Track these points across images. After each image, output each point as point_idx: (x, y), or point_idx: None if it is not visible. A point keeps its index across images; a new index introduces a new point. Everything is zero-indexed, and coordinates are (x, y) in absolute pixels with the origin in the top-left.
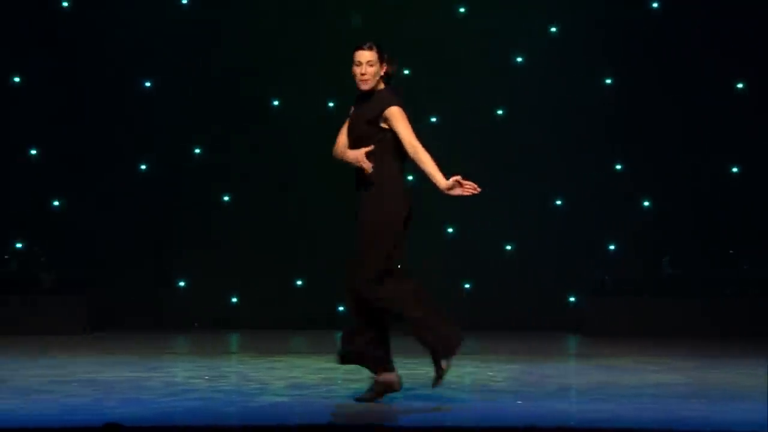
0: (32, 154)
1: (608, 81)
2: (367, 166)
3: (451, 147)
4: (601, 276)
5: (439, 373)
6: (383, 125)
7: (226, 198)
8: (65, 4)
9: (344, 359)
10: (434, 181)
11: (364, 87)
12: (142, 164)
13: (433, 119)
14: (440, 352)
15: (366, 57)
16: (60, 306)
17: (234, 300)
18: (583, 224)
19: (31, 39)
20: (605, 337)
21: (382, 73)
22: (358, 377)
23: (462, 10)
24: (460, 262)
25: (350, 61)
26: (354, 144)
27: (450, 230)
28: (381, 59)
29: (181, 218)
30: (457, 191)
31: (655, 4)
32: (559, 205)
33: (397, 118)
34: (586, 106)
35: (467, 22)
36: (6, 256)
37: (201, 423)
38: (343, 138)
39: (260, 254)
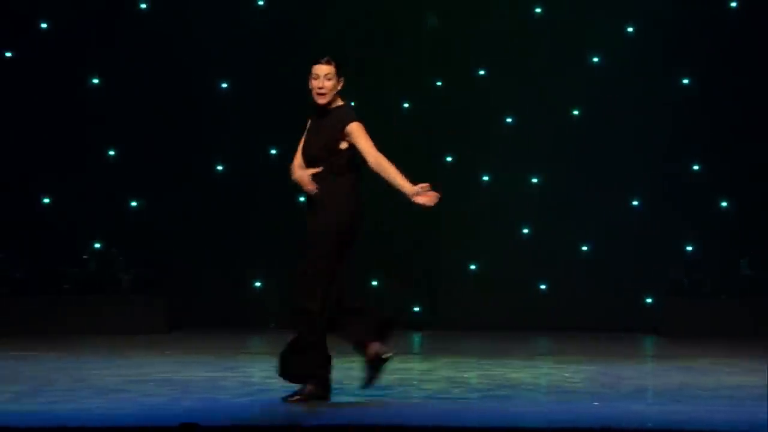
0: (111, 155)
1: (685, 81)
2: (312, 188)
3: (526, 147)
4: (678, 277)
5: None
6: (343, 143)
7: (302, 198)
8: (143, 5)
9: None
10: (399, 186)
11: (321, 101)
12: (219, 165)
13: (509, 120)
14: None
15: (324, 71)
16: (138, 306)
17: None
18: (660, 225)
19: (110, 40)
20: (682, 338)
21: (339, 88)
22: (433, 377)
23: (538, 10)
24: (535, 263)
25: (422, 63)
26: (309, 162)
27: (525, 231)
28: (338, 74)
29: (258, 218)
30: (422, 199)
31: (733, 3)
32: (635, 205)
33: (358, 134)
34: (663, 106)
35: (543, 22)
36: (85, 257)
37: (276, 423)
38: (299, 157)
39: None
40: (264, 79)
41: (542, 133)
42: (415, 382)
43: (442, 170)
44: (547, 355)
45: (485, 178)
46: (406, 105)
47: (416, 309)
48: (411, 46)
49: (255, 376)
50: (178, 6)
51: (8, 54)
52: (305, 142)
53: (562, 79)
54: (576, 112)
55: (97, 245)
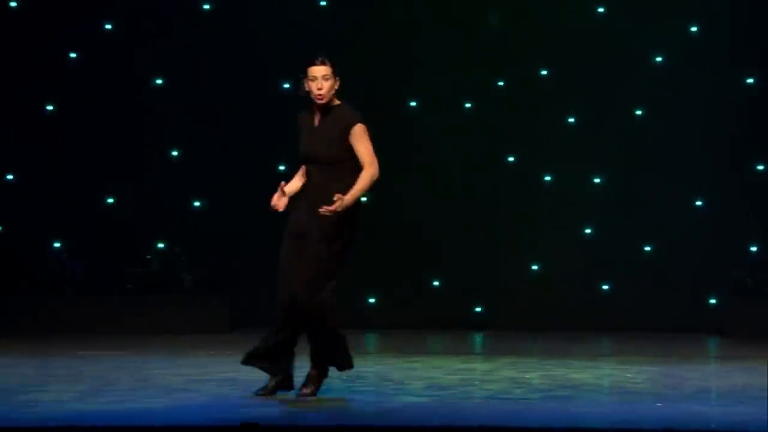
0: (173, 155)
1: (750, 80)
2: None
3: (589, 147)
4: (742, 277)
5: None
6: (347, 142)
7: (363, 198)
8: (206, 6)
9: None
10: (352, 193)
11: (321, 101)
12: (282, 165)
13: (571, 120)
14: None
15: (321, 72)
16: (201, 306)
17: (371, 300)
18: (724, 225)
19: (173, 41)
20: (746, 339)
21: (336, 87)
22: (495, 378)
23: (601, 9)
24: (598, 263)
25: (485, 63)
26: (314, 161)
27: (588, 231)
28: (335, 73)
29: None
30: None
31: None
32: (699, 205)
33: (361, 136)
34: (727, 106)
35: (606, 21)
36: (148, 257)
37: (338, 423)
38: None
39: (398, 255)
40: None
41: (605, 133)
42: (476, 383)
43: (504, 170)
44: (610, 355)
45: (547, 178)
46: (468, 105)
47: (478, 309)
48: (473, 45)
49: None
50: (241, 7)
51: (72, 55)
52: (306, 143)
53: (625, 78)
54: (639, 112)
55: (160, 245)
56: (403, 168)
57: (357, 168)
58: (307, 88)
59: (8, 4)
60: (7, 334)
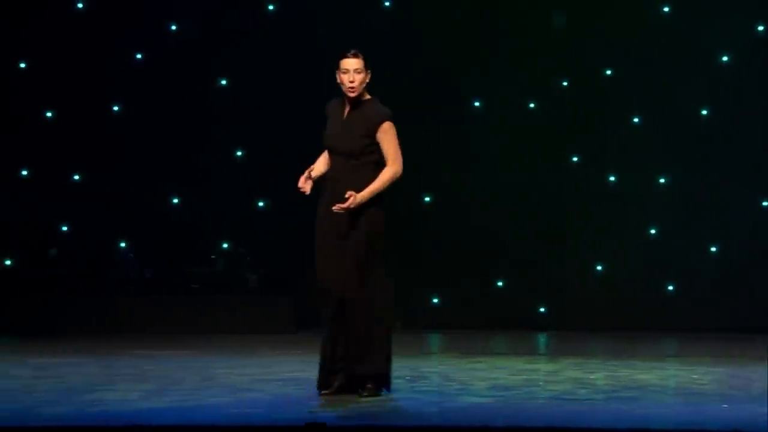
0: (238, 156)
1: None
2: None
3: (653, 147)
4: None
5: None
6: (374, 138)
7: (427, 199)
8: (271, 7)
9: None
10: (368, 189)
11: (353, 94)
12: None
13: (636, 119)
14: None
15: (353, 65)
16: (265, 306)
17: (435, 300)
18: None
19: (238, 41)
20: None
21: (367, 81)
22: (559, 378)
23: (666, 9)
24: (663, 264)
25: (549, 62)
26: (342, 154)
27: (652, 231)
28: (366, 67)
29: (385, 218)
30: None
31: None
32: (765, 206)
33: (388, 132)
34: None
35: (671, 20)
36: (213, 257)
37: (402, 423)
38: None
39: (461, 255)
40: (388, 79)
41: (670, 133)
42: (540, 383)
43: (568, 170)
44: (675, 356)
45: (612, 178)
46: (532, 105)
47: (542, 309)
48: (537, 45)
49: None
50: (305, 7)
51: (138, 56)
52: (334, 134)
53: (690, 78)
54: (704, 112)
55: (225, 245)
56: (467, 168)
57: (381, 163)
58: (339, 81)
59: (75, 5)
60: (74, 334)
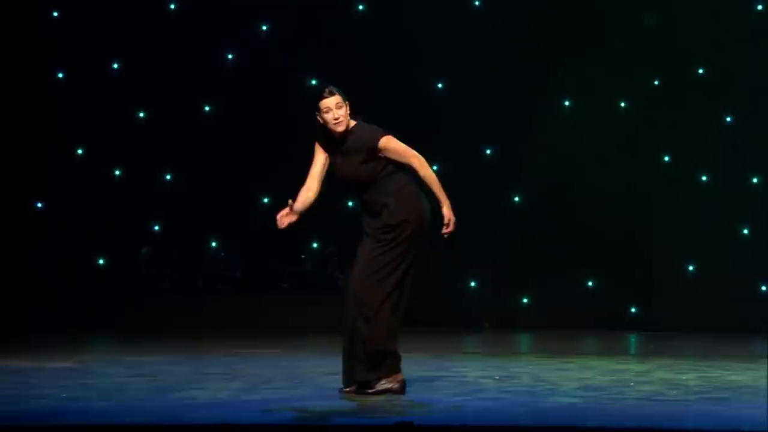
0: None
1: None
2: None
3: (746, 146)
4: None
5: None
6: (377, 158)
7: (516, 198)
8: (360, 7)
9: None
10: (441, 200)
11: (341, 129)
12: (434, 165)
13: (728, 118)
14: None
15: (333, 102)
16: None
17: (524, 300)
18: None
19: (328, 41)
20: None
21: (349, 112)
22: (650, 379)
23: (760, 7)
24: (756, 263)
25: (640, 61)
26: (352, 182)
27: (745, 231)
28: (345, 99)
29: (472, 218)
30: (446, 231)
31: None
32: None
33: (393, 146)
34: None
35: (764, 18)
36: (302, 256)
37: (491, 423)
38: (311, 181)
39: (551, 255)
40: (479, 79)
41: (762, 132)
42: (630, 384)
43: (660, 169)
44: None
45: (703, 177)
46: (623, 104)
47: (632, 310)
48: (629, 44)
49: (469, 376)
50: (395, 7)
51: (229, 56)
52: (341, 168)
53: None
54: None
55: (314, 245)
56: (557, 167)
57: (397, 167)
58: (323, 121)
59: (167, 6)
60: (165, 333)
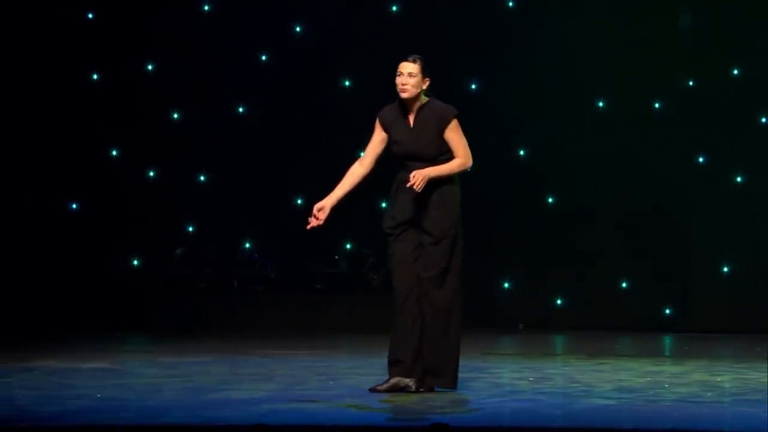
0: (361, 156)
1: None
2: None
3: None
4: None
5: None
6: (444, 136)
7: (550, 200)
8: (394, 8)
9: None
10: (435, 168)
11: (404, 95)
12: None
13: (763, 119)
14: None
15: (408, 68)
16: (389, 305)
17: (559, 302)
18: None
19: (360, 42)
20: None
21: (423, 87)
22: (686, 381)
23: None
24: None
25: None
26: (411, 158)
27: None
28: (423, 73)
29: (505, 218)
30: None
31: None
32: None
33: (456, 128)
34: None
35: None
36: (336, 257)
37: (526, 424)
38: (369, 156)
39: (585, 255)
40: (512, 79)
41: None
42: (666, 385)
43: (694, 171)
44: None
45: (738, 179)
46: (657, 105)
47: (667, 311)
48: (664, 45)
49: (504, 377)
50: (428, 7)
51: (263, 57)
52: (406, 140)
53: None
54: None
55: (349, 246)
56: (591, 168)
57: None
58: (395, 83)
59: (201, 7)
60: (200, 333)
